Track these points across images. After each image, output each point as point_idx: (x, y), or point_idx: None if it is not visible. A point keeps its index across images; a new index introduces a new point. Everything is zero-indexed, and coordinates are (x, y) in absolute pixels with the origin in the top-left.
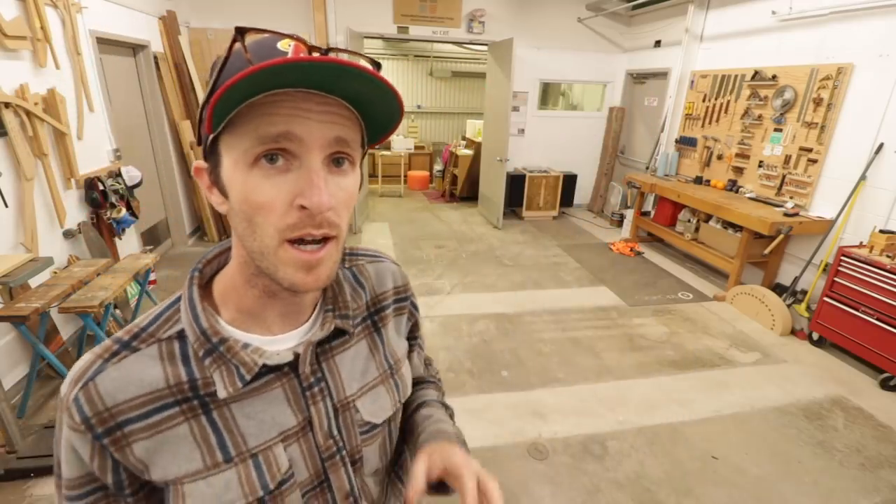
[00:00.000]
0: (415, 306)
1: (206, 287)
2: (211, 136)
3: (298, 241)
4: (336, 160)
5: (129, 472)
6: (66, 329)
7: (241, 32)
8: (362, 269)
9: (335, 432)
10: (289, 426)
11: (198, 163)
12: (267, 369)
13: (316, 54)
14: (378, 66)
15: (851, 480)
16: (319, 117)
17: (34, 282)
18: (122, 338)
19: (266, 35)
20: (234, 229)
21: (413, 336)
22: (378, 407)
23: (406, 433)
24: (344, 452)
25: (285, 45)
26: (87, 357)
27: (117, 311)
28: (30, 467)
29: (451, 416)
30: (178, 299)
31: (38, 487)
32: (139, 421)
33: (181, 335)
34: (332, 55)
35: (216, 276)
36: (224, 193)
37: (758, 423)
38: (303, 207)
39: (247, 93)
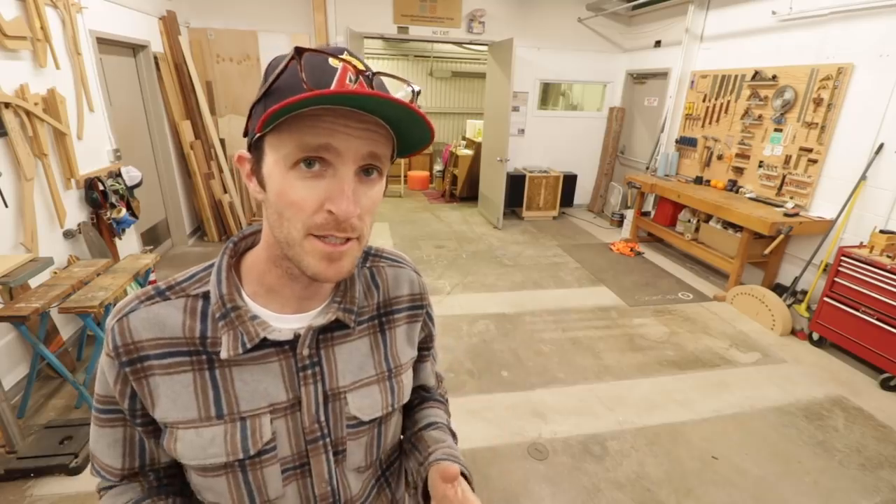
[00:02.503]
0: (430, 317)
1: (237, 259)
2: (258, 135)
3: (321, 237)
4: (366, 170)
5: (141, 404)
6: (66, 329)
7: (299, 52)
8: (381, 271)
9: (322, 418)
10: (279, 400)
11: (241, 152)
12: (268, 343)
13: (362, 79)
14: (417, 91)
15: (851, 480)
16: (356, 133)
17: (34, 282)
18: (159, 286)
19: (320, 52)
20: (267, 218)
21: (426, 347)
22: (368, 405)
23: (414, 446)
24: (328, 440)
25: (336, 63)
26: (129, 296)
27: None
28: (30, 467)
29: (456, 442)
30: (212, 264)
31: (38, 487)
32: (157, 359)
33: (206, 295)
34: (375, 82)
35: (247, 252)
36: (262, 185)
37: (758, 423)
38: (330, 212)
39: (295, 107)
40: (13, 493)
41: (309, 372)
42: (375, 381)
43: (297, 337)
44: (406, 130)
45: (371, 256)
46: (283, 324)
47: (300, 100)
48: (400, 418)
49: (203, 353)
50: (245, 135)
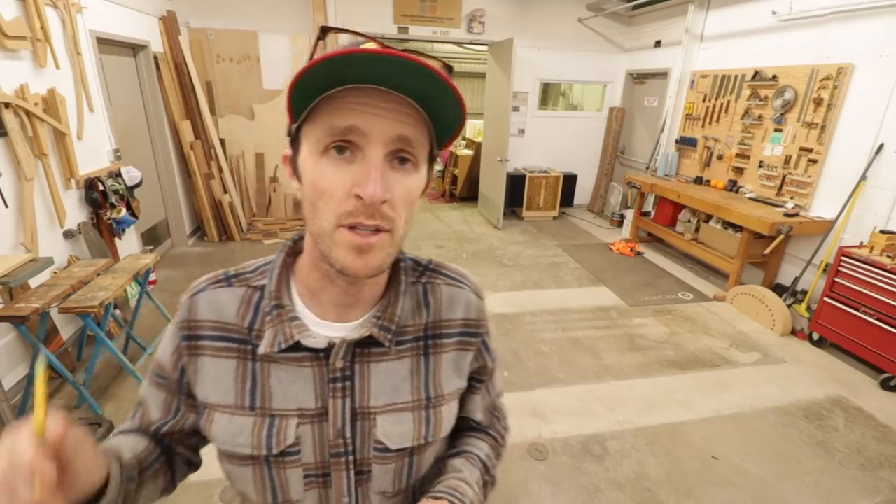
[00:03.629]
0: (487, 347)
1: (296, 257)
2: (295, 126)
3: (353, 227)
4: (400, 159)
5: (188, 379)
6: (67, 329)
7: (324, 31)
8: (436, 288)
9: (347, 434)
10: (308, 406)
11: (286, 150)
12: (304, 347)
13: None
14: (450, 69)
15: (851, 480)
16: (385, 114)
17: (34, 282)
18: (229, 272)
19: (350, 39)
20: (304, 213)
21: (479, 379)
22: (398, 432)
23: (437, 473)
24: (351, 458)
25: (368, 47)
26: (204, 277)
27: (117, 312)
28: None
29: (487, 483)
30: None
31: None
32: (210, 341)
33: (263, 288)
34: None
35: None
36: (300, 179)
37: (758, 423)
38: (358, 197)
39: (322, 84)
40: None
41: (339, 385)
42: (410, 409)
43: (331, 346)
44: (436, 109)
45: (429, 271)
46: (323, 330)
47: (320, 61)
48: (442, 448)
49: (249, 343)
50: (287, 133)
